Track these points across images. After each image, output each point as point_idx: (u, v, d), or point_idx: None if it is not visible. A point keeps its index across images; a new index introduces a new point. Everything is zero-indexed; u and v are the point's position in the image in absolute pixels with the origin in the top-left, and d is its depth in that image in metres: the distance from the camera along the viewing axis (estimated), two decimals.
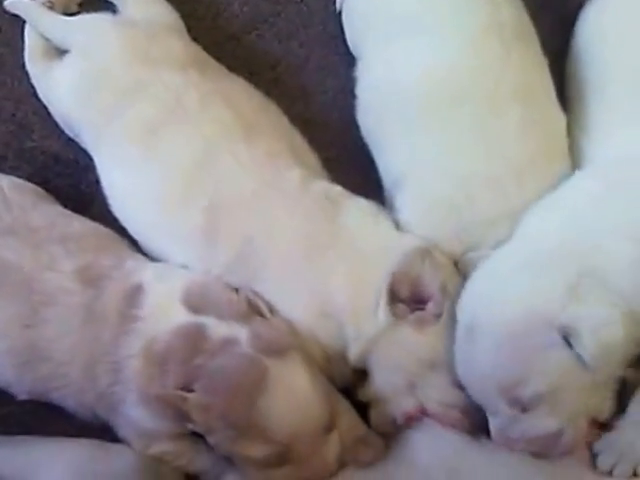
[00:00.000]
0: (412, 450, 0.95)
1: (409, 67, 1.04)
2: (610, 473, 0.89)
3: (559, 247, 0.91)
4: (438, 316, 0.95)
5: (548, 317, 0.86)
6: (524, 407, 0.88)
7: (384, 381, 0.97)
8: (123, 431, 0.95)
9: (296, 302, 0.97)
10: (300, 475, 0.89)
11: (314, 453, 0.89)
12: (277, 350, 0.90)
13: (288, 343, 0.92)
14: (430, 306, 0.95)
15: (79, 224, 1.05)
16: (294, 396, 0.88)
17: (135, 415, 0.92)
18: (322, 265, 0.97)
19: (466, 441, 0.94)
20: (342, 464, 0.93)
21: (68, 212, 1.08)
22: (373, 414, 0.98)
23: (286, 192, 1.00)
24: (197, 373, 0.87)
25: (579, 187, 0.98)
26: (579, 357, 0.84)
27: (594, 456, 0.92)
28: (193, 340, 0.90)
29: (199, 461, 0.95)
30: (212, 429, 0.88)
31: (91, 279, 0.96)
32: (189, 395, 0.87)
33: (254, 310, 0.95)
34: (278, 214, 0.99)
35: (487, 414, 0.92)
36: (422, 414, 0.96)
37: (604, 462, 0.90)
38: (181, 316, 0.93)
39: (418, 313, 0.95)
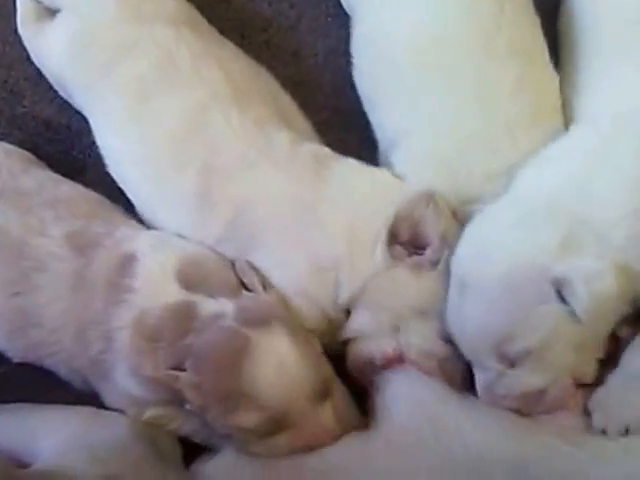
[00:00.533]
0: (391, 401, 0.95)
1: (403, 23, 1.03)
2: (604, 432, 0.89)
3: (553, 200, 0.91)
4: (435, 263, 0.95)
5: (541, 269, 0.86)
6: (512, 362, 0.89)
7: (369, 319, 0.97)
8: (113, 398, 0.95)
9: (292, 262, 0.97)
10: (300, 441, 0.89)
11: (309, 418, 0.89)
12: (259, 321, 0.90)
13: (271, 314, 0.91)
14: (428, 252, 0.95)
15: (69, 188, 1.04)
16: (279, 361, 0.87)
17: (126, 383, 0.92)
18: (315, 220, 0.96)
19: (445, 388, 0.95)
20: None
21: (58, 176, 1.07)
22: (351, 351, 0.99)
23: (276, 156, 0.99)
24: (187, 351, 0.88)
25: (572, 142, 0.98)
26: (571, 310, 0.85)
27: (587, 415, 0.91)
28: (183, 318, 0.90)
29: (190, 424, 0.96)
30: (206, 406, 0.88)
31: (81, 246, 0.95)
32: (180, 374, 0.87)
33: (245, 285, 0.95)
34: (269, 178, 0.98)
35: (474, 370, 0.93)
36: (400, 359, 0.96)
37: (597, 421, 0.90)
38: (173, 292, 0.92)
39: (415, 257, 0.95)
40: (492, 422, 0.90)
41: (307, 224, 0.97)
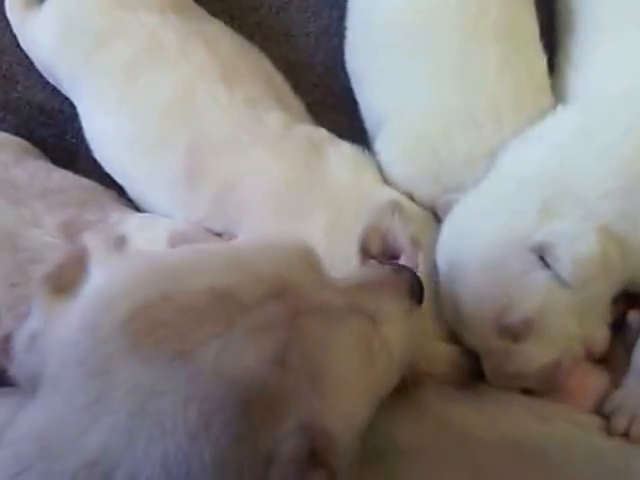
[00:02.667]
0: None
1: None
2: (626, 435, 0.85)
3: (535, 174, 0.90)
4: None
5: (523, 239, 0.85)
6: (515, 336, 0.87)
7: None
8: None
9: None
10: None
11: None
12: None
13: None
14: (402, 259, 0.94)
15: (59, 176, 1.04)
16: None
17: None
18: (300, 212, 0.97)
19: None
20: None
21: (49, 165, 1.08)
22: None
23: (266, 137, 0.99)
24: None
25: (557, 120, 0.97)
26: (557, 275, 0.84)
27: (607, 419, 0.88)
28: None
29: None
30: None
31: (75, 234, 0.95)
32: None
33: None
34: (258, 159, 0.98)
35: (481, 357, 0.91)
36: None
37: (617, 424, 0.87)
38: None
39: None
40: (498, 409, 0.89)
41: (291, 211, 0.97)
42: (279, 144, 0.99)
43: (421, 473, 0.79)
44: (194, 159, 0.99)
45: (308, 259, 0.66)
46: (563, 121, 0.96)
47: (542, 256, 0.84)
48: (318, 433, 0.54)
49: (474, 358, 0.92)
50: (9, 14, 1.15)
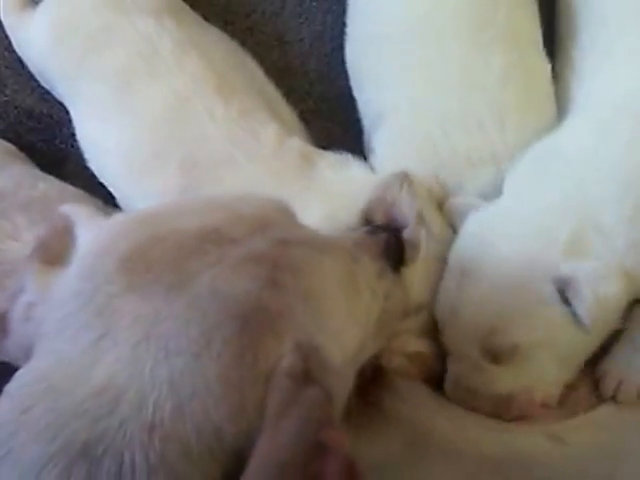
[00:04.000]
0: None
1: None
2: (613, 398, 0.89)
3: (555, 200, 0.89)
4: (412, 245, 0.92)
5: (546, 268, 0.85)
6: (494, 357, 0.87)
7: None
8: None
9: None
10: None
11: None
12: None
13: None
14: (405, 232, 0.92)
15: (44, 186, 1.02)
16: None
17: None
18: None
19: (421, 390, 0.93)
20: None
21: (36, 172, 1.07)
22: None
23: (260, 151, 0.98)
24: None
25: (569, 136, 0.96)
26: (573, 312, 0.83)
27: (596, 381, 0.91)
28: None
29: None
30: None
31: None
32: None
33: None
34: (252, 173, 0.97)
35: (448, 362, 0.91)
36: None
37: (607, 387, 0.90)
38: None
39: None
40: (472, 420, 0.89)
41: None
42: (272, 159, 0.98)
43: None
44: (188, 173, 0.98)
45: (286, 209, 0.69)
46: (569, 138, 0.95)
47: (563, 290, 0.84)
48: (312, 351, 0.56)
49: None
50: (3, 15, 1.14)
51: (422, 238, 0.92)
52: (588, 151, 0.92)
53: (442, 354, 0.93)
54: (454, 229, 0.97)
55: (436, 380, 0.92)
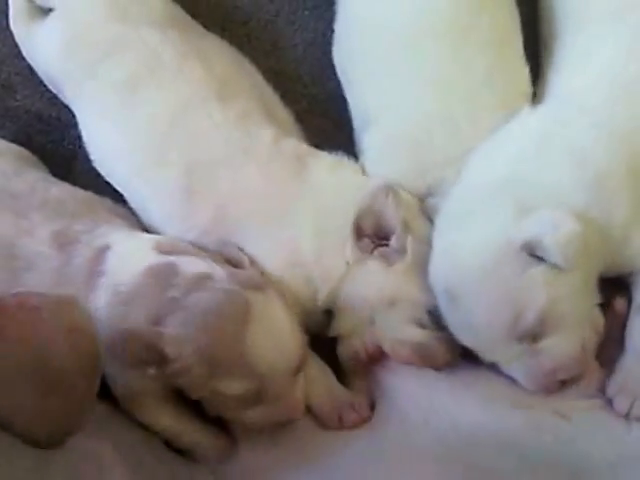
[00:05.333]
0: (391, 394, 0.97)
1: (384, 3, 1.05)
2: (627, 415, 0.90)
3: (504, 178, 0.93)
4: (400, 252, 0.98)
5: (509, 242, 0.87)
6: (534, 336, 0.89)
7: (349, 315, 1.00)
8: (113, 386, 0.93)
9: (269, 259, 1.00)
10: (273, 415, 0.90)
11: (286, 392, 0.89)
12: (256, 285, 0.90)
13: (264, 281, 0.92)
14: (393, 240, 0.98)
15: (57, 190, 1.05)
16: (276, 329, 0.87)
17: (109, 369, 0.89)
18: (291, 221, 1.00)
19: (428, 373, 0.96)
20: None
21: (48, 177, 1.10)
22: (339, 349, 1.02)
23: (257, 153, 1.02)
24: (171, 307, 0.85)
25: (521, 123, 0.99)
26: (553, 264, 0.86)
27: (609, 402, 0.92)
28: (164, 277, 0.88)
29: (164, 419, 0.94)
30: (186, 367, 0.84)
31: (63, 244, 0.96)
32: (164, 330, 0.84)
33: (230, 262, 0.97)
34: (250, 175, 1.01)
35: (508, 371, 0.92)
36: (379, 350, 0.98)
37: (620, 405, 0.91)
38: (150, 258, 0.92)
39: (381, 249, 0.98)
40: (478, 401, 0.92)
41: (283, 222, 1.00)
42: (269, 160, 1.02)
43: None
44: (191, 176, 1.01)
45: None
46: (527, 123, 0.99)
47: (532, 252, 0.87)
48: None
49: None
50: (12, 25, 1.17)
51: (409, 244, 0.98)
52: (542, 134, 0.96)
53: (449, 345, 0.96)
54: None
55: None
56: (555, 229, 0.85)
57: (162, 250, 0.93)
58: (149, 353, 0.84)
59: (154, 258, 0.92)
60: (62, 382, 0.74)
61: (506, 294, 0.88)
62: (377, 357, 0.99)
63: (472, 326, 0.91)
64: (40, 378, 0.73)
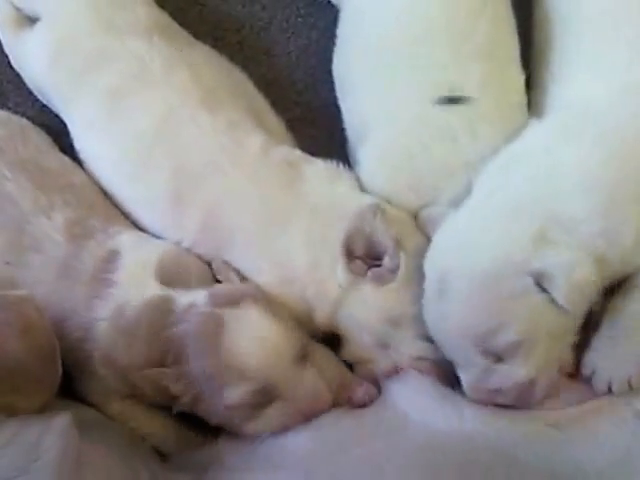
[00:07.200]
0: (392, 398, 0.97)
1: (382, 13, 1.05)
2: (610, 390, 0.92)
3: (523, 197, 0.92)
4: (394, 270, 0.96)
5: (520, 263, 0.87)
6: (499, 356, 0.90)
7: (356, 343, 0.99)
8: (88, 386, 0.97)
9: (259, 270, 0.99)
10: (292, 409, 0.91)
11: (295, 382, 0.90)
12: (229, 301, 0.91)
13: (241, 295, 0.93)
14: (386, 260, 0.97)
15: (83, 177, 1.07)
16: (254, 331, 0.89)
17: (99, 372, 0.95)
18: (282, 232, 0.99)
19: (441, 388, 0.96)
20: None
21: (75, 164, 1.10)
22: (357, 374, 1.01)
23: (246, 161, 1.01)
24: (167, 346, 0.90)
25: (534, 138, 0.98)
26: (553, 300, 0.86)
27: (587, 380, 0.94)
28: (160, 313, 0.92)
29: (150, 425, 0.98)
30: (197, 395, 0.89)
31: (75, 235, 0.98)
32: (166, 370, 0.89)
33: (222, 278, 0.99)
34: (239, 183, 1.00)
35: (458, 370, 0.94)
36: (396, 369, 0.98)
37: (599, 383, 0.92)
38: (152, 288, 0.95)
39: (375, 269, 0.97)
40: (476, 413, 0.92)
41: (273, 233, 0.99)
42: (259, 168, 1.01)
43: None
44: (179, 185, 1.01)
45: None
46: (535, 140, 0.98)
47: (539, 281, 0.87)
48: None
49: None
50: (0, 33, 1.17)
51: (402, 261, 0.96)
52: (551, 153, 0.94)
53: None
54: (428, 239, 0.99)
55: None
56: (571, 271, 0.86)
57: (164, 276, 0.96)
58: (162, 396, 0.91)
59: (154, 288, 0.95)
60: (25, 381, 0.82)
61: (495, 306, 0.88)
62: (394, 374, 0.99)
63: (448, 322, 0.92)
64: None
